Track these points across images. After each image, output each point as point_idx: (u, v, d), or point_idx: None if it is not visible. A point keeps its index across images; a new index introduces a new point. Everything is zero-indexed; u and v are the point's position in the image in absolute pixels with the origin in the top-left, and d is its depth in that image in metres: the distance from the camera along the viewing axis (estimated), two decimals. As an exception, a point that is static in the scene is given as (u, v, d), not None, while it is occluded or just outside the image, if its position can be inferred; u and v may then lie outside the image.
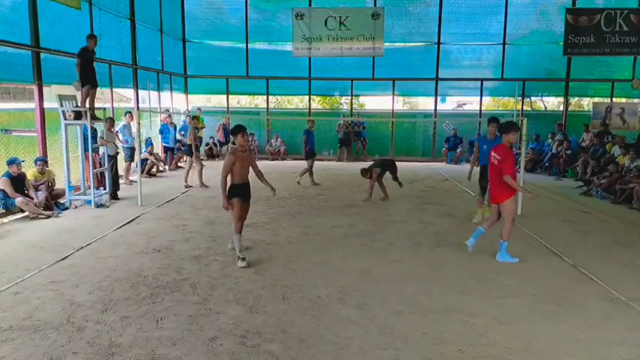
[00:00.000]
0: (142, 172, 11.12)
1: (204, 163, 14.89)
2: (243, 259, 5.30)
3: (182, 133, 14.59)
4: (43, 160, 8.05)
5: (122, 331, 3.76)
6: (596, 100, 16.94)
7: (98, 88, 8.58)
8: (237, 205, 5.32)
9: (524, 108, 17.49)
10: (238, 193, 5.35)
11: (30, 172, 7.90)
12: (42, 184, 7.82)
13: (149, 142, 12.56)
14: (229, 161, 5.21)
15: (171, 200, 9.02)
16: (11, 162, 7.42)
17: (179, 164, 14.16)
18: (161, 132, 13.59)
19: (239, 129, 5.35)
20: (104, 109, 9.65)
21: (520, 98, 16.77)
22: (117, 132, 10.49)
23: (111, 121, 9.76)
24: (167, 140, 13.48)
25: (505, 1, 15.65)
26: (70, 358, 3.37)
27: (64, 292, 4.53)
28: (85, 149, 8.60)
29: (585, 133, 14.23)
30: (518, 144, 9.74)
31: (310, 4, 15.97)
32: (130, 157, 10.82)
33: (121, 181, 10.01)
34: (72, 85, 8.24)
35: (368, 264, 5.49)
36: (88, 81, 8.09)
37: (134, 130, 11.27)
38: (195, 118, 11.69)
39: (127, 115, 11.04)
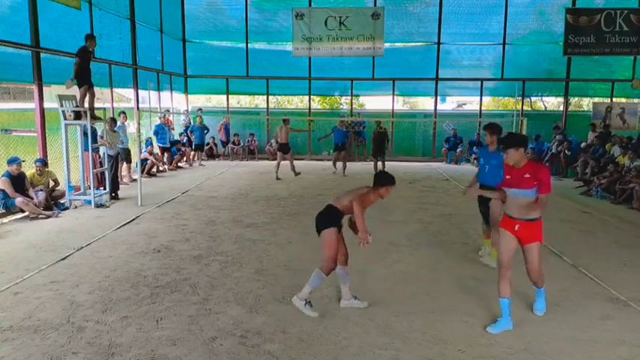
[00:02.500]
0: (142, 172, 11.13)
1: (204, 163, 15.05)
2: (311, 304, 4.21)
3: (191, 132, 14.70)
4: (42, 162, 8.02)
5: (122, 331, 3.76)
6: (596, 100, 16.94)
7: (98, 88, 8.56)
8: (339, 237, 4.22)
9: (524, 108, 17.49)
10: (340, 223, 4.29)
11: (28, 173, 7.90)
12: (40, 190, 7.76)
13: (149, 142, 12.56)
14: (374, 200, 4.24)
15: (171, 200, 9.01)
16: (11, 162, 7.41)
17: (179, 164, 14.17)
18: (156, 133, 13.53)
19: (392, 181, 4.21)
20: (104, 109, 9.65)
21: (520, 98, 16.77)
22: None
23: (112, 121, 9.74)
24: (163, 141, 13.47)
25: (505, 1, 15.65)
26: (70, 358, 3.37)
27: (64, 292, 4.53)
28: (85, 149, 8.60)
29: (592, 132, 14.18)
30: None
31: (310, 4, 15.96)
32: (125, 159, 10.76)
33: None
34: (64, 83, 8.17)
35: (368, 264, 5.49)
36: (86, 81, 8.08)
37: (132, 130, 11.27)
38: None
39: (122, 115, 11.03)
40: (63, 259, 5.49)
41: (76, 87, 8.13)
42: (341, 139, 13.01)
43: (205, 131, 15.08)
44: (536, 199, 3.79)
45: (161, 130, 13.36)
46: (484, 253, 5.74)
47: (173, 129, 14.64)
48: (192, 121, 15.37)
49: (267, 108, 17.93)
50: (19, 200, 7.26)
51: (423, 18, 16.24)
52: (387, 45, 15.93)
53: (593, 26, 15.05)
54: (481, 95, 16.97)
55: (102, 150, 9.18)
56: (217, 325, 3.90)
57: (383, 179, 4.21)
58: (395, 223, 7.44)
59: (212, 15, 16.53)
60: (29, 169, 7.97)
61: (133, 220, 7.43)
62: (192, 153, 14.88)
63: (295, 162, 15.61)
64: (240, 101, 22.80)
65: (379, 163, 12.09)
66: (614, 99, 16.57)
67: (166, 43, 14.72)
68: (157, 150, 13.26)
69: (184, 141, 14.75)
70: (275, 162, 12.17)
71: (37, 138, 8.48)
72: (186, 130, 15.03)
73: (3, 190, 7.31)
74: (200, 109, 15.97)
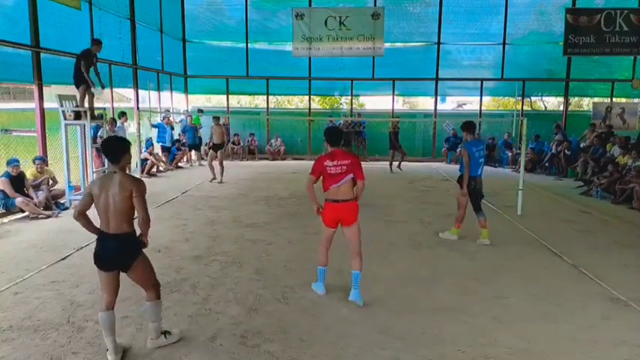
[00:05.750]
0: (142, 172, 11.13)
1: (203, 163, 15.02)
2: (168, 332, 3.64)
3: (183, 133, 14.68)
4: (42, 160, 8.05)
5: (122, 331, 3.75)
6: (596, 100, 16.93)
7: (98, 88, 8.59)
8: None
9: (524, 108, 17.48)
10: None
11: (29, 171, 7.91)
12: (40, 182, 7.84)
13: (149, 142, 12.56)
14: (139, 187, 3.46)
15: (171, 200, 9.01)
16: (10, 163, 7.40)
17: (179, 164, 14.17)
18: (155, 126, 13.49)
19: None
20: (104, 109, 9.66)
21: (520, 98, 16.76)
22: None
23: (112, 122, 9.75)
24: (163, 139, 13.44)
25: (505, 1, 15.64)
26: (70, 358, 3.37)
27: (64, 292, 4.53)
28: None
29: (589, 131, 14.12)
30: (519, 144, 9.62)
31: (310, 4, 15.96)
32: None
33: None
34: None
35: (368, 264, 5.47)
36: (84, 81, 8.09)
37: (132, 130, 11.26)
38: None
39: (122, 116, 11.04)
40: (63, 259, 5.49)
41: (73, 87, 8.15)
42: None
43: (198, 129, 14.99)
44: None
45: (161, 129, 13.36)
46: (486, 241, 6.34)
47: (173, 129, 14.63)
48: (193, 121, 15.38)
49: (267, 108, 17.93)
50: (19, 200, 7.26)
51: (422, 18, 16.23)
52: (387, 45, 15.92)
53: (593, 26, 15.04)
54: (481, 95, 16.97)
55: (102, 150, 9.18)
56: (217, 325, 3.90)
57: None
58: (395, 223, 7.44)
59: (212, 15, 16.52)
60: (29, 168, 7.98)
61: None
62: (191, 153, 14.89)
63: (296, 162, 15.73)
64: (240, 101, 22.79)
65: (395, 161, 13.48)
66: (614, 99, 16.57)
67: (166, 43, 14.72)
68: (157, 150, 13.25)
69: (184, 141, 14.76)
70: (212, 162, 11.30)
71: (37, 138, 8.48)
72: (183, 130, 15.04)
73: (3, 191, 7.31)
74: (200, 110, 15.96)
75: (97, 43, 8.31)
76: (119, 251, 3.35)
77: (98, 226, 3.41)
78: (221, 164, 11.11)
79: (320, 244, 4.58)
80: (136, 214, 3.43)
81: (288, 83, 17.17)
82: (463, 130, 6.44)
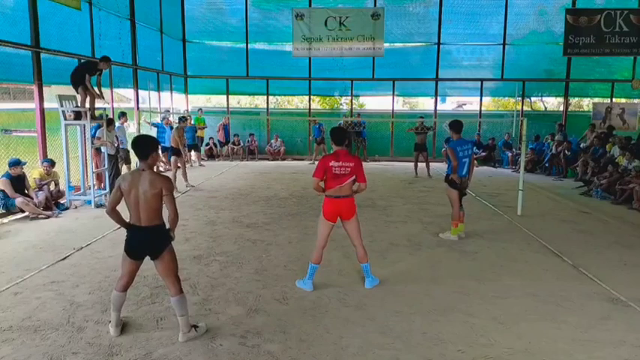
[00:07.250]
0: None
1: (203, 163, 15.05)
2: (196, 325, 3.78)
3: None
4: (50, 162, 8.05)
5: (123, 331, 3.76)
6: (596, 100, 16.94)
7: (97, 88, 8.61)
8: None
9: (524, 108, 17.48)
10: None
11: (36, 171, 7.93)
12: (46, 183, 7.85)
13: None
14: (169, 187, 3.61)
15: (171, 200, 8.99)
16: (15, 163, 7.40)
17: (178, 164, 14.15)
18: (155, 125, 13.48)
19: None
20: (104, 109, 9.65)
21: (520, 99, 16.77)
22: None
23: (110, 122, 9.74)
24: (162, 140, 13.42)
25: (505, 2, 15.65)
26: (70, 358, 3.37)
27: (64, 292, 4.53)
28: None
29: (589, 131, 14.13)
30: (519, 144, 9.61)
31: (310, 4, 15.97)
32: (125, 159, 10.74)
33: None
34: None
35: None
36: (81, 82, 8.09)
37: (132, 130, 11.24)
38: (185, 120, 11.14)
39: (123, 117, 11.05)
40: (63, 259, 5.49)
41: (70, 87, 8.16)
42: (319, 134, 15.38)
43: (198, 130, 15.04)
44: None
45: (161, 129, 13.35)
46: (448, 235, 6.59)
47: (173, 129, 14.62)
48: (194, 121, 15.36)
49: (267, 108, 17.93)
50: (19, 200, 7.26)
51: (423, 18, 16.23)
52: (387, 45, 15.93)
53: (593, 26, 15.05)
54: (481, 95, 16.97)
55: (102, 149, 9.18)
56: (217, 325, 3.90)
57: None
58: (395, 223, 7.44)
59: (212, 15, 16.53)
60: (35, 169, 7.98)
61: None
62: (191, 153, 14.87)
63: (295, 162, 15.73)
64: (240, 101, 22.80)
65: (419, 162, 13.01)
66: (614, 99, 16.57)
67: (166, 44, 14.72)
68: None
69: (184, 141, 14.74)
70: (180, 170, 10.44)
71: (37, 138, 8.48)
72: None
73: (3, 191, 7.31)
74: (200, 110, 15.98)
75: (105, 60, 8.33)
76: (150, 242, 3.60)
77: (127, 220, 3.60)
78: (183, 167, 10.52)
79: (317, 243, 4.67)
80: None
81: (288, 83, 17.18)
82: (450, 128, 6.57)
